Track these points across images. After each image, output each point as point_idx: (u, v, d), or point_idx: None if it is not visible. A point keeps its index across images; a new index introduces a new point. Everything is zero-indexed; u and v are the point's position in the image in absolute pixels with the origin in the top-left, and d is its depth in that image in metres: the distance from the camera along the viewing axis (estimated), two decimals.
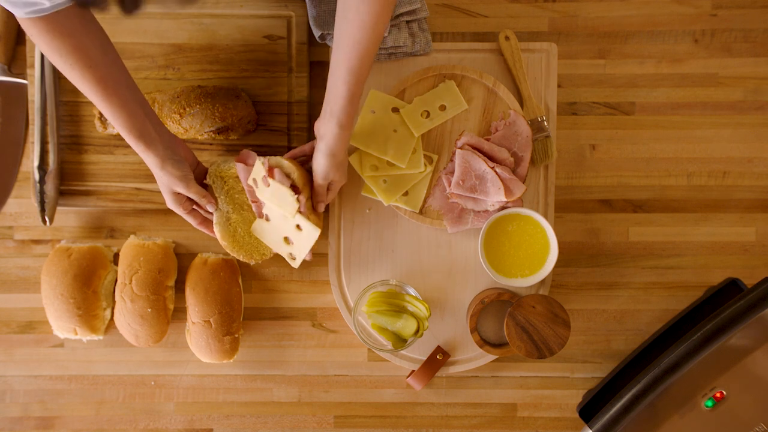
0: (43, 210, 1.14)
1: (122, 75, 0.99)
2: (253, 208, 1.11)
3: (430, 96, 1.15)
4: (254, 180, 1.08)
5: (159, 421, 1.21)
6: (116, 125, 0.99)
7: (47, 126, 1.15)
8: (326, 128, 1.00)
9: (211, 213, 1.10)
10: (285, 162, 1.07)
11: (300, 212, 1.06)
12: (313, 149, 1.08)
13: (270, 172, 1.06)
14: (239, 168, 1.08)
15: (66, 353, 1.20)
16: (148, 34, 1.16)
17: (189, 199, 1.09)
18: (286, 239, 1.10)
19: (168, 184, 1.05)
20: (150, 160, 1.02)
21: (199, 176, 1.11)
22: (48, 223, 1.14)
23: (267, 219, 1.10)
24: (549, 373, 1.21)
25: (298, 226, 1.08)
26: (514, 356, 1.19)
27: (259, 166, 1.06)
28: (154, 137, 1.01)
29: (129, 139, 1.00)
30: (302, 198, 1.06)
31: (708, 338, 0.98)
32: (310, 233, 1.07)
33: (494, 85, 1.15)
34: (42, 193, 1.14)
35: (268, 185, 1.06)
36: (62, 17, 0.91)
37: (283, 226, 1.09)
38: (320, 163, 1.04)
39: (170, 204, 1.08)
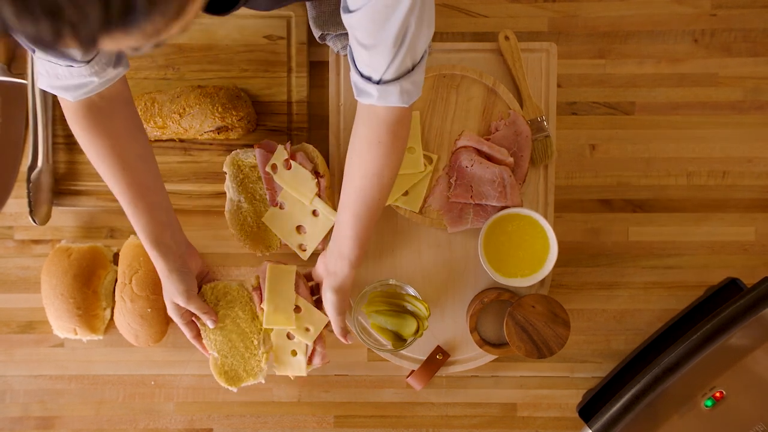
0: (31, 210, 1.14)
1: (154, 180, 1.00)
2: (267, 196, 1.11)
3: None
4: (273, 166, 1.10)
5: (159, 421, 1.21)
6: (135, 228, 1.00)
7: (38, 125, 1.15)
8: (337, 267, 1.02)
9: (209, 327, 1.09)
10: (309, 147, 1.10)
11: (318, 196, 1.09)
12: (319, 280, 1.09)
13: (292, 155, 1.09)
14: (258, 153, 1.09)
15: (66, 353, 1.20)
16: None
17: (188, 311, 1.08)
18: (299, 229, 1.11)
19: (170, 294, 1.05)
20: (159, 267, 1.03)
21: (205, 281, 1.12)
22: (37, 222, 1.14)
23: (281, 207, 1.11)
24: (549, 372, 1.21)
25: (314, 213, 1.10)
26: (514, 356, 1.19)
27: (282, 150, 1.09)
28: (169, 246, 1.01)
29: (144, 243, 1.01)
30: (323, 182, 1.07)
31: (708, 338, 0.98)
32: (327, 219, 1.09)
33: (494, 85, 1.15)
34: (29, 192, 1.14)
35: (290, 168, 1.08)
36: (106, 103, 0.92)
37: (298, 214, 1.10)
38: (333, 299, 1.05)
39: (170, 311, 1.07)
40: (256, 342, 1.10)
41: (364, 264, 1.17)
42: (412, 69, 0.85)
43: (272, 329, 1.10)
